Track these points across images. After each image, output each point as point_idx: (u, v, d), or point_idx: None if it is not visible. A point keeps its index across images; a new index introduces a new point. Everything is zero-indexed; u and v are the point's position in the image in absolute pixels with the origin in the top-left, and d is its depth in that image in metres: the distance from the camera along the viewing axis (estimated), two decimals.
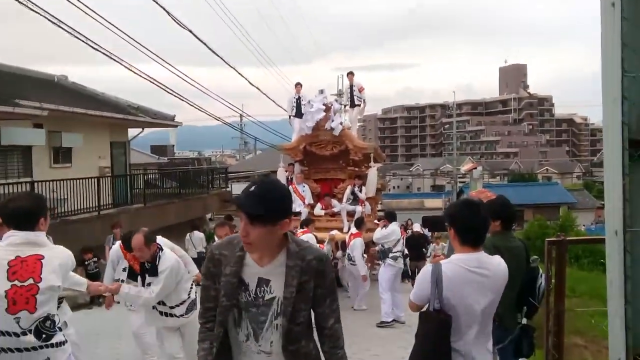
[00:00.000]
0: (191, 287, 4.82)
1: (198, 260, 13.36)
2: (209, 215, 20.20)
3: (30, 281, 3.01)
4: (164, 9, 11.71)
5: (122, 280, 4.81)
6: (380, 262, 13.74)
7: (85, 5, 9.74)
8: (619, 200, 1.95)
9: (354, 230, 9.99)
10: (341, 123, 12.39)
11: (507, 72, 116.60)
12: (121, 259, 5.24)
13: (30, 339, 3.03)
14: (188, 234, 13.41)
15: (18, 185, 11.86)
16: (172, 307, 4.64)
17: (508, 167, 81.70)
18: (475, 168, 31.41)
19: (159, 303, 4.62)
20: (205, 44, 13.84)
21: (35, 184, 11.53)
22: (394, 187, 76.94)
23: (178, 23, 12.64)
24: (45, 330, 3.09)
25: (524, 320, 3.58)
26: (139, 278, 4.65)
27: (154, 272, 4.47)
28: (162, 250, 4.55)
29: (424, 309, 2.68)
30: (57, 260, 3.12)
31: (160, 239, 5.70)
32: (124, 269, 4.81)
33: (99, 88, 19.61)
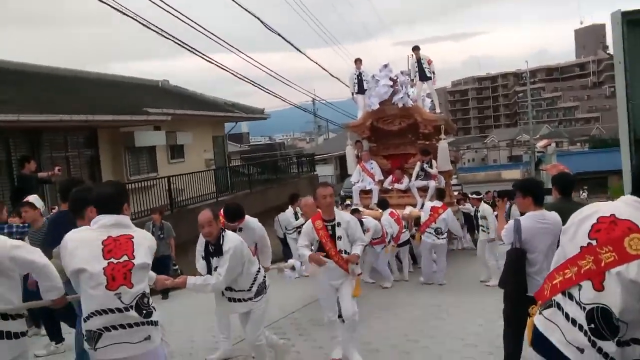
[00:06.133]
0: (258, 271, 4.83)
1: (283, 240, 14.43)
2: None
3: (125, 258, 3.09)
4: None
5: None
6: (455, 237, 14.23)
7: None
8: (628, 173, 3.37)
9: (437, 203, 9.81)
10: (408, 95, 12.05)
11: (583, 33, 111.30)
12: None
13: (134, 314, 3.07)
14: (276, 217, 14.21)
15: (148, 181, 14.07)
16: (240, 292, 4.69)
17: (589, 133, 78.89)
18: (550, 144, 31.68)
19: (227, 289, 4.66)
20: (276, 32, 13.88)
21: (172, 178, 13.69)
22: (468, 160, 76.38)
23: (243, 8, 12.50)
24: (144, 307, 3.13)
25: None
26: (205, 264, 4.65)
27: (219, 251, 4.46)
28: (224, 231, 4.60)
29: (509, 248, 4.26)
30: (145, 241, 3.24)
31: (253, 221, 6.03)
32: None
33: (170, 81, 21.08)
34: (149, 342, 3.13)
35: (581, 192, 26.79)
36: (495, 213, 9.09)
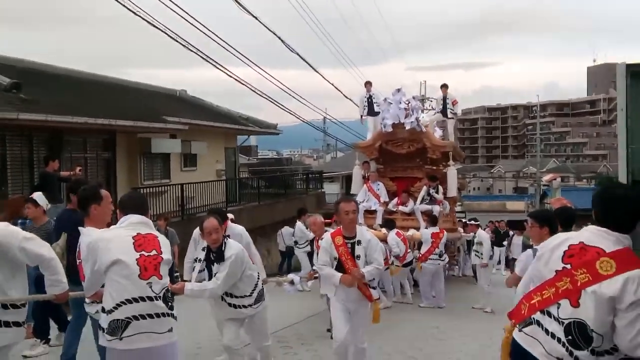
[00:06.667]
0: (258, 278, 4.92)
1: (283, 254, 14.97)
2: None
3: (154, 252, 3.33)
4: (250, 13, 12.06)
5: (200, 260, 4.82)
6: (456, 261, 14.60)
7: (179, 7, 10.11)
8: None
9: (435, 228, 10.19)
10: (418, 120, 12.25)
11: (595, 71, 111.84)
12: (201, 238, 5.09)
13: (162, 304, 3.26)
14: (279, 230, 14.77)
15: (161, 187, 14.37)
16: (241, 298, 4.73)
17: (596, 170, 78.94)
18: (555, 179, 32.21)
19: (228, 295, 4.69)
20: (295, 52, 14.20)
21: (184, 185, 14.07)
22: (474, 189, 76.49)
23: (266, 27, 13.08)
24: (169, 299, 3.35)
25: None
26: (207, 271, 4.71)
27: (220, 258, 4.55)
28: (226, 238, 4.72)
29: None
30: (167, 242, 3.53)
31: (239, 228, 6.08)
32: (203, 249, 4.79)
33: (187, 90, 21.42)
34: (171, 334, 3.30)
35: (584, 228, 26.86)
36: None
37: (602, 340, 2.42)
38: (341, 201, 4.99)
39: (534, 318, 2.61)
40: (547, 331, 2.53)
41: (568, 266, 2.55)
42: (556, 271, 2.58)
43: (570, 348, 2.44)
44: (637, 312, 2.38)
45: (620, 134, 3.67)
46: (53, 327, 6.19)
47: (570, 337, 2.45)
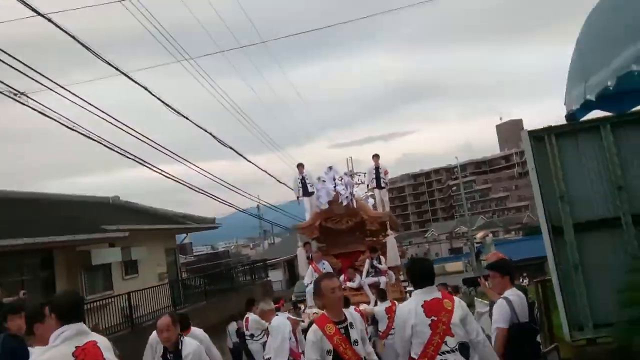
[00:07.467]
0: None
1: (232, 351, 14.43)
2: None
3: None
4: (180, 113, 12.52)
5: None
6: None
7: (100, 110, 10.35)
8: (550, 251, 4.22)
9: (387, 303, 10.00)
10: (353, 195, 12.53)
11: (504, 128, 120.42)
12: (158, 343, 4.94)
13: None
14: (227, 327, 14.14)
15: (104, 299, 13.94)
16: None
17: (521, 220, 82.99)
18: (487, 236, 34.01)
19: None
20: (229, 146, 14.65)
21: (128, 295, 13.61)
22: (412, 255, 77.86)
23: (197, 125, 13.51)
24: None
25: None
26: None
27: (178, 357, 4.53)
28: (182, 336, 4.75)
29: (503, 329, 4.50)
30: (107, 343, 3.45)
31: (199, 332, 5.96)
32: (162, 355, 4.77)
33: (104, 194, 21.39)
34: None
35: (521, 279, 27.87)
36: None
37: (470, 345, 3.82)
38: (322, 279, 4.16)
39: None
40: None
41: (434, 318, 3.79)
42: (429, 325, 3.79)
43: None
44: (471, 316, 3.98)
45: (534, 189, 4.30)
46: None
47: (463, 354, 3.76)
